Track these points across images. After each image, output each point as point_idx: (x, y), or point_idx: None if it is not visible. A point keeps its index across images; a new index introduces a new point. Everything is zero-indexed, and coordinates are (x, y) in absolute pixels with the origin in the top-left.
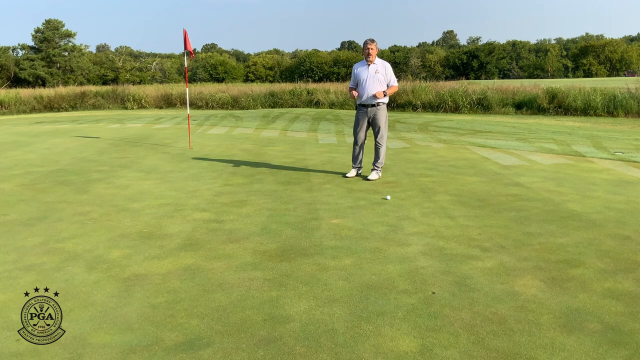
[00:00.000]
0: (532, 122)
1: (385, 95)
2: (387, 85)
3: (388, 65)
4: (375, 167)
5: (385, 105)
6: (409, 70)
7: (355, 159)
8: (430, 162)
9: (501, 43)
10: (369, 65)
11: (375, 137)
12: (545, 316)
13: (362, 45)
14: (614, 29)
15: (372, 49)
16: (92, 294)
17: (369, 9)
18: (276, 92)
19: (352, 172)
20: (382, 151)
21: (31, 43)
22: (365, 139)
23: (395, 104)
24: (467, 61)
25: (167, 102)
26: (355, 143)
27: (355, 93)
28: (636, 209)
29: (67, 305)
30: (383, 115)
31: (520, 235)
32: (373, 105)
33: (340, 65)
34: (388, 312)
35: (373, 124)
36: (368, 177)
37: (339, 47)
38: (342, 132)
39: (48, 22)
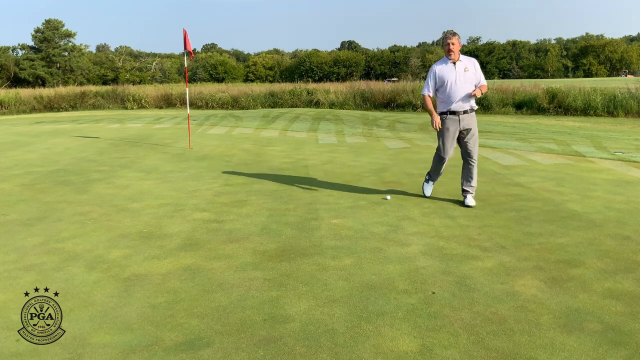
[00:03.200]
0: (532, 122)
1: (478, 95)
2: (476, 86)
3: (476, 62)
4: (470, 190)
5: (474, 112)
6: (409, 70)
7: (435, 175)
8: (430, 162)
9: (501, 43)
10: (454, 63)
11: (468, 152)
12: (545, 316)
13: (441, 41)
14: (614, 29)
15: (453, 43)
16: (92, 294)
17: (369, 9)
18: (276, 92)
19: (430, 189)
20: (475, 168)
21: (31, 43)
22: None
23: (396, 104)
24: None
25: (167, 102)
26: (443, 160)
27: (429, 104)
28: (636, 209)
29: (67, 305)
30: (475, 124)
31: (520, 235)
32: (465, 112)
33: (340, 65)
34: (388, 312)
35: (466, 135)
36: (467, 203)
37: (339, 47)
38: (342, 132)
39: (48, 22)
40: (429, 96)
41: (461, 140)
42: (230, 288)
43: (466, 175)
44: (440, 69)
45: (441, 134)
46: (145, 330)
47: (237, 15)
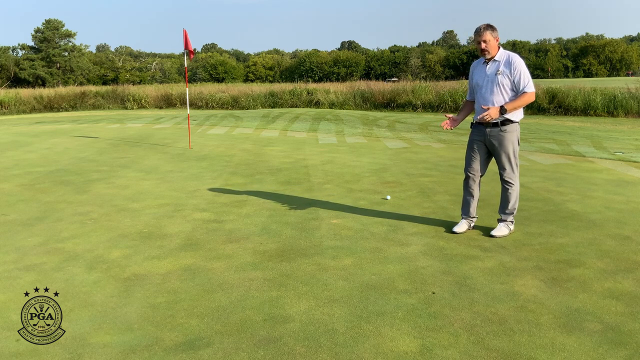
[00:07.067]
0: (532, 122)
1: (503, 113)
2: (515, 93)
3: (518, 61)
4: (503, 218)
5: (516, 125)
6: (409, 70)
7: (465, 204)
8: (430, 162)
9: (501, 43)
10: (486, 63)
11: (500, 173)
12: (545, 316)
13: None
14: (614, 29)
15: (485, 41)
16: (92, 294)
17: (369, 9)
18: (276, 92)
19: (463, 226)
20: (513, 194)
21: (31, 43)
22: (482, 174)
23: (396, 104)
24: (467, 61)
25: (167, 102)
26: (466, 179)
27: (447, 123)
28: (636, 209)
29: (67, 305)
30: (509, 141)
31: (520, 235)
32: (494, 125)
33: (340, 65)
34: (388, 312)
35: (493, 153)
36: (492, 233)
37: (339, 47)
38: (342, 132)
39: (48, 22)
40: (466, 102)
41: (495, 157)
42: (230, 288)
43: (501, 198)
44: (474, 69)
45: (467, 147)
46: (145, 330)
47: (237, 15)
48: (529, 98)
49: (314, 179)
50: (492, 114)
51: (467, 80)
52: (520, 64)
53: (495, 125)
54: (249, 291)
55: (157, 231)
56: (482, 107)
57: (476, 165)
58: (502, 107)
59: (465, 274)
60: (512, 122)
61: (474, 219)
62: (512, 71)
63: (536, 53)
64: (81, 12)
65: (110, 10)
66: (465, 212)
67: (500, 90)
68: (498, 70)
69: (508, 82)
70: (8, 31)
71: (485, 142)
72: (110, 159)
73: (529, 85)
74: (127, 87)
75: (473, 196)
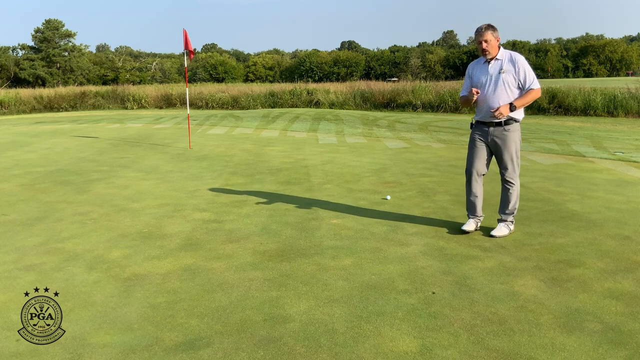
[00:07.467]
0: (532, 122)
1: (512, 110)
2: (521, 90)
3: (520, 59)
4: (504, 218)
5: (517, 124)
6: (409, 70)
7: (470, 205)
8: (430, 162)
9: (501, 43)
10: (488, 63)
11: (501, 172)
12: (545, 316)
13: (474, 39)
14: (614, 29)
15: (486, 41)
16: (92, 294)
17: (369, 9)
18: (276, 92)
19: (471, 225)
20: (514, 194)
21: (31, 43)
22: (484, 172)
23: (396, 104)
24: (467, 61)
25: (167, 102)
26: (468, 178)
27: (473, 95)
28: (636, 209)
29: (67, 305)
30: (513, 140)
31: (520, 235)
32: (498, 124)
33: (340, 65)
34: (388, 312)
35: (495, 152)
36: (492, 233)
37: (339, 47)
38: (342, 132)
39: (48, 22)
40: (463, 97)
41: (495, 156)
42: (230, 288)
43: (502, 198)
44: (473, 68)
45: (469, 146)
46: (145, 330)
47: (237, 15)
48: (536, 94)
49: (314, 179)
50: (503, 112)
51: (463, 80)
52: (523, 62)
53: (498, 124)
54: (249, 291)
55: (157, 231)
56: (495, 111)
57: (478, 164)
58: (511, 104)
59: (465, 274)
60: (515, 121)
61: (481, 218)
62: (517, 70)
63: (536, 53)
64: (81, 12)
65: (110, 10)
66: (472, 212)
67: (505, 89)
68: (502, 69)
69: (513, 80)
70: (8, 31)
71: (488, 142)
72: (110, 159)
73: (535, 82)
74: (127, 87)
75: (477, 196)
